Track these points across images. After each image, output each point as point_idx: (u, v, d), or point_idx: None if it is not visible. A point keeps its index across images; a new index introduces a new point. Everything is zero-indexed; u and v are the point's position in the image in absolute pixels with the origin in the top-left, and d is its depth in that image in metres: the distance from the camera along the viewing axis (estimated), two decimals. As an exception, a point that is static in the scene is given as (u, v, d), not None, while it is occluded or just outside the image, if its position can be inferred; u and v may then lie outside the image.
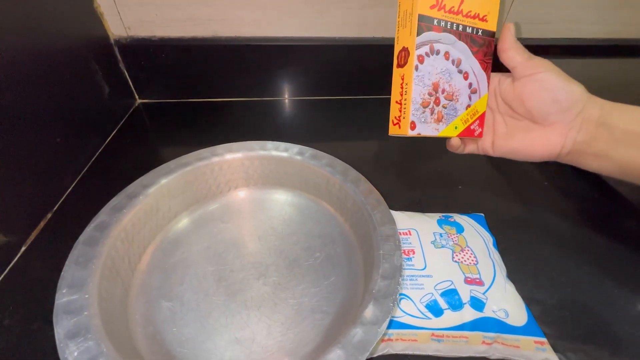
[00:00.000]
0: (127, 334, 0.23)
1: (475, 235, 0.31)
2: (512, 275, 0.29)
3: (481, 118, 0.29)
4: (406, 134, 0.25)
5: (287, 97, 0.56)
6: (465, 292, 0.26)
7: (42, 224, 0.33)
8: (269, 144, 0.35)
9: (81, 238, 0.24)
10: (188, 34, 0.48)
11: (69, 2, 0.39)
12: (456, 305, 0.25)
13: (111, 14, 0.45)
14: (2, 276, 0.29)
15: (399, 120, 0.26)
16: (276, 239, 0.32)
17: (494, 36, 0.28)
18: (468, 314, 0.25)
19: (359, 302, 0.24)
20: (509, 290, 0.27)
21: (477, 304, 0.26)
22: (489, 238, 0.31)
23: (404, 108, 0.25)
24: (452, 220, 0.32)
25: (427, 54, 0.25)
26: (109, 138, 0.46)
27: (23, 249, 0.31)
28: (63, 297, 0.20)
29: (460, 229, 0.31)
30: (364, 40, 0.52)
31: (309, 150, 0.34)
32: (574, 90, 0.26)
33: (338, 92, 0.57)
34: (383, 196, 0.31)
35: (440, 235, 0.30)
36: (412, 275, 0.27)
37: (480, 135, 0.29)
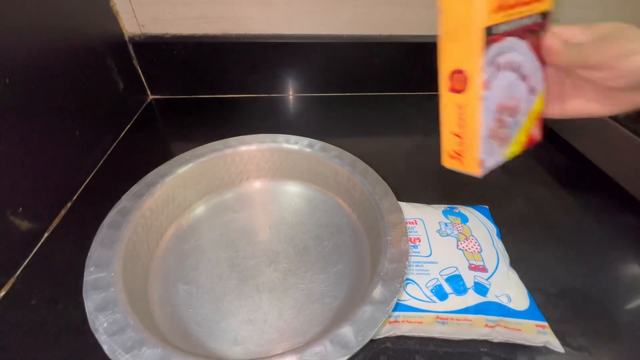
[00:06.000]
0: (147, 311, 0.25)
1: (480, 226, 0.32)
2: (514, 265, 0.29)
3: (540, 118, 0.23)
4: (478, 174, 0.21)
5: (295, 93, 0.58)
6: (469, 278, 0.27)
7: (62, 212, 0.35)
8: (280, 136, 0.36)
9: (105, 221, 0.26)
10: (199, 32, 0.50)
11: (86, 1, 0.40)
12: (460, 290, 0.26)
13: (126, 12, 0.47)
14: (28, 260, 0.30)
15: (460, 155, 0.22)
16: (286, 228, 0.34)
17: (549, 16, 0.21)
18: (472, 298, 0.26)
19: (366, 286, 0.25)
20: (512, 277, 0.28)
21: (480, 289, 0.27)
22: (492, 228, 0.32)
23: (467, 143, 0.21)
24: (457, 211, 0.33)
25: (492, 76, 0.19)
26: (123, 133, 0.47)
27: (46, 235, 0.32)
28: (91, 275, 0.22)
29: (464, 219, 0.32)
30: (371, 38, 0.53)
31: (318, 143, 0.35)
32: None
33: (345, 89, 0.58)
34: (389, 187, 0.32)
35: (445, 224, 0.31)
36: (418, 262, 0.28)
37: (540, 137, 0.24)
